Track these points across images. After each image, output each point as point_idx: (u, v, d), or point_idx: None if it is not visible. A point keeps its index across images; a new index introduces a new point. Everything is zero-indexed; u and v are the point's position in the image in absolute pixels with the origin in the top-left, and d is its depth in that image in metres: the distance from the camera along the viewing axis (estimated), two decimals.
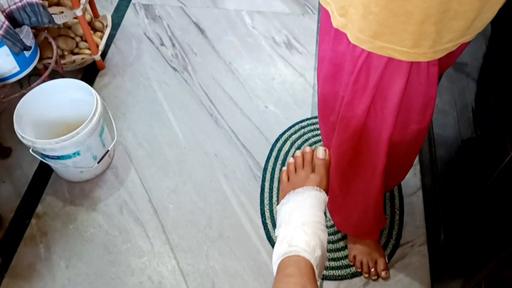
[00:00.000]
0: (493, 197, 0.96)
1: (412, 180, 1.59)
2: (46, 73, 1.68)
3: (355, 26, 0.86)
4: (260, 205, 1.57)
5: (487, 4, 0.78)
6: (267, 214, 1.54)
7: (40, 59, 1.80)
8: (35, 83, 1.61)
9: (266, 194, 1.59)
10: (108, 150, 1.63)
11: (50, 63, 1.73)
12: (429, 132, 1.53)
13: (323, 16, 0.99)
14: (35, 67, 1.76)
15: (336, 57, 0.97)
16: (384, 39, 0.84)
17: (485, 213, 1.00)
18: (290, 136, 1.74)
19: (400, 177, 1.32)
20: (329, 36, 0.97)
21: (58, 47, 1.87)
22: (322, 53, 1.05)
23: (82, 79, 1.79)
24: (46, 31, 1.82)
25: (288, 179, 0.89)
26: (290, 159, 0.92)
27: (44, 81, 1.64)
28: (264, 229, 1.52)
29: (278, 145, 1.72)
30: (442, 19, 0.78)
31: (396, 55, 0.85)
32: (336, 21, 0.90)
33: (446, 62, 0.98)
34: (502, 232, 0.90)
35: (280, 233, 0.79)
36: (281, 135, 1.74)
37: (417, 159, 1.62)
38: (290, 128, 1.77)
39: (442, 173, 1.39)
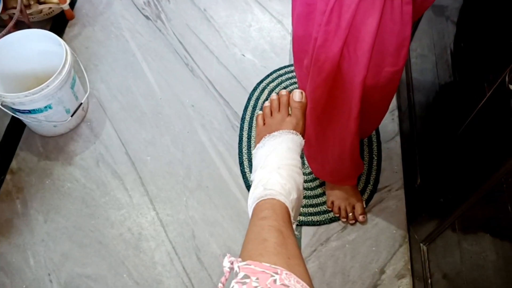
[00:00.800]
0: (469, 138, 0.96)
1: (390, 125, 1.59)
2: (11, 24, 1.60)
3: None
4: (239, 155, 1.56)
5: None
6: (246, 163, 1.54)
7: (4, 9, 1.71)
8: (0, 34, 1.53)
9: (244, 144, 1.58)
10: (81, 103, 1.58)
11: (14, 13, 1.64)
12: (407, 77, 1.52)
13: None
14: None
15: None
16: None
17: (460, 155, 1.01)
18: (268, 84, 1.71)
19: (376, 122, 1.32)
20: None
21: None
22: None
23: (50, 30, 1.71)
24: None
25: (264, 123, 0.87)
26: (266, 103, 0.89)
27: (9, 32, 1.56)
28: (243, 178, 1.51)
29: (256, 94, 1.69)
30: None
31: None
32: None
33: (422, 3, 0.95)
34: (475, 174, 0.91)
35: (255, 177, 0.78)
36: (258, 84, 1.71)
37: (395, 104, 1.62)
38: (267, 76, 1.73)
39: (419, 118, 1.39)
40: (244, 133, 1.60)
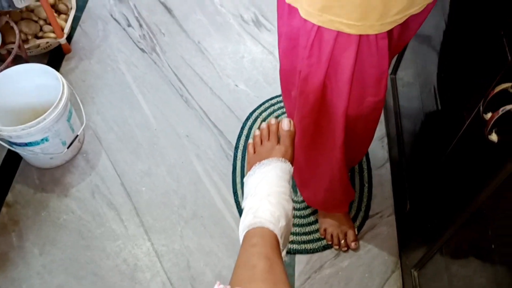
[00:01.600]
0: (451, 165, 0.99)
1: (380, 152, 1.63)
2: (9, 59, 1.64)
3: (304, 0, 0.87)
4: (233, 184, 1.58)
5: None
6: (239, 192, 1.56)
7: (3, 44, 1.76)
8: None
9: (238, 173, 1.60)
10: (77, 135, 1.61)
11: (13, 48, 1.69)
12: (395, 105, 1.56)
13: None
14: None
15: (292, 31, 0.98)
16: (332, 13, 0.85)
17: (444, 181, 1.04)
18: (260, 113, 1.75)
19: (363, 151, 1.35)
20: (284, 11, 0.99)
21: (21, 31, 1.82)
22: (280, 29, 1.07)
23: (48, 64, 1.76)
24: (7, 15, 1.78)
25: (255, 151, 0.90)
26: (256, 131, 0.92)
27: (7, 67, 1.61)
28: (237, 207, 1.54)
29: (249, 123, 1.73)
30: None
31: (344, 28, 0.87)
32: None
33: (401, 37, 0.99)
34: (457, 200, 0.94)
35: (246, 205, 0.81)
36: (251, 113, 1.75)
37: (384, 132, 1.66)
38: (260, 105, 1.77)
39: (407, 145, 1.43)
40: (237, 162, 1.63)
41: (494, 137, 0.73)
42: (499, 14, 0.83)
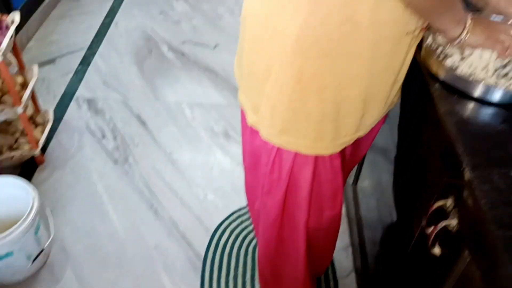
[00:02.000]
0: (405, 277, 1.03)
1: (345, 262, 1.65)
2: None
3: (265, 123, 0.96)
4: None
5: (369, 108, 0.92)
6: None
7: None
8: None
9: (206, 285, 1.59)
10: (43, 249, 1.60)
11: None
12: (357, 214, 1.63)
13: (242, 112, 1.09)
14: None
15: (254, 150, 1.07)
16: (290, 135, 0.94)
17: None
18: (229, 224, 1.78)
19: (326, 260, 1.39)
20: (247, 131, 1.08)
21: None
22: (244, 146, 1.15)
23: (20, 174, 1.79)
24: None
25: None
26: None
27: None
28: None
29: (218, 234, 1.75)
30: (337, 118, 0.90)
31: (301, 149, 0.95)
32: (250, 119, 1.01)
33: (354, 155, 1.09)
34: None
35: None
36: (220, 224, 1.79)
37: (348, 241, 1.70)
38: (229, 216, 1.81)
39: (370, 255, 1.47)
40: (206, 273, 1.63)
41: (437, 250, 0.79)
42: (435, 138, 0.93)
